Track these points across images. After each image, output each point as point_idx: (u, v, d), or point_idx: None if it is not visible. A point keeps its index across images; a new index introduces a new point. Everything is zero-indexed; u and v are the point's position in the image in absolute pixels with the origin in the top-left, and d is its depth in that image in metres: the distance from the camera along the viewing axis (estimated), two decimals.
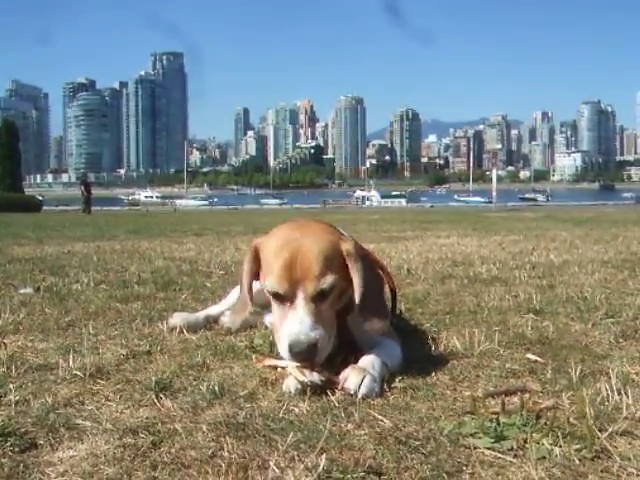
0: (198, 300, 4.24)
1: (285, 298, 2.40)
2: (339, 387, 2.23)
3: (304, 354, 2.30)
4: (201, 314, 3.49)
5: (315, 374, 2.28)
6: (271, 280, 2.42)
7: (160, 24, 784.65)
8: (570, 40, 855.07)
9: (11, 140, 55.70)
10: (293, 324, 2.34)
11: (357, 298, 2.46)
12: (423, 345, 2.92)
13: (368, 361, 2.37)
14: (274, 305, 2.49)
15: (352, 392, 2.20)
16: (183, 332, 3.22)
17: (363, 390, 2.20)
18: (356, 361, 2.39)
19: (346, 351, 2.52)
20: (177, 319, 3.36)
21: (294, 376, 2.29)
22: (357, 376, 2.24)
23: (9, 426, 1.91)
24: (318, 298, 2.38)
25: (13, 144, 56.02)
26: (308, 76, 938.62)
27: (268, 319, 3.38)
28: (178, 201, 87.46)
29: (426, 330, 3.28)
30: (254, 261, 2.60)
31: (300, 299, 2.36)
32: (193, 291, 4.64)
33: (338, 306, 2.50)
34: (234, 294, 3.59)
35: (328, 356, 2.41)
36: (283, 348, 2.37)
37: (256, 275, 2.61)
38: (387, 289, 2.98)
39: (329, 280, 2.39)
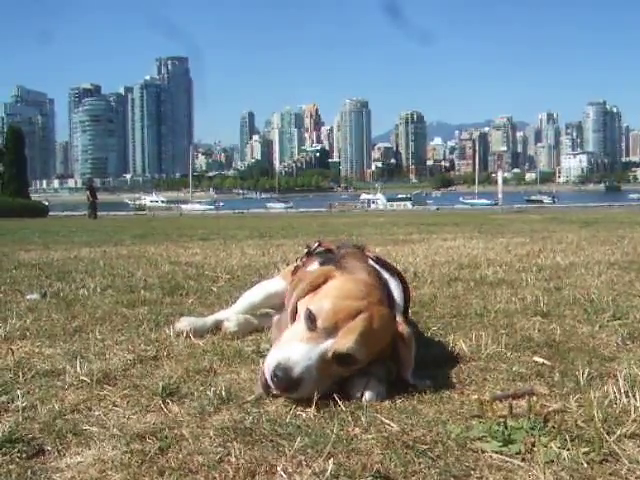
0: (205, 305, 4.24)
1: (315, 329, 2.27)
2: (344, 393, 2.22)
3: (283, 383, 2.15)
4: (209, 319, 3.47)
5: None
6: (324, 309, 2.29)
7: (165, 29, 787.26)
8: (575, 41, 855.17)
9: (17, 146, 55.99)
10: (299, 350, 2.21)
11: (407, 375, 2.36)
12: (430, 348, 2.91)
13: (373, 365, 2.36)
14: (302, 319, 2.34)
15: (357, 397, 2.20)
16: (190, 337, 3.22)
17: (367, 395, 2.20)
18: None
19: None
20: (184, 323, 3.35)
21: None
22: (360, 381, 2.25)
23: (16, 432, 1.91)
24: (338, 356, 2.24)
25: (19, 150, 56.30)
26: (313, 80, 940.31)
27: (277, 320, 3.37)
28: (184, 206, 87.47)
29: (433, 333, 3.28)
30: (315, 286, 2.48)
31: (327, 342, 2.23)
32: (200, 296, 4.64)
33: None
34: (243, 299, 3.57)
35: None
36: (269, 361, 2.22)
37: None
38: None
39: (360, 356, 2.26)
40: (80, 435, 1.92)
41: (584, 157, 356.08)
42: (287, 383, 2.15)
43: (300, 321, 2.36)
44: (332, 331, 2.24)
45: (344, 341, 2.23)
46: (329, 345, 2.23)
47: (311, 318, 2.29)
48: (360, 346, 2.24)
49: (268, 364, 2.21)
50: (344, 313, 2.26)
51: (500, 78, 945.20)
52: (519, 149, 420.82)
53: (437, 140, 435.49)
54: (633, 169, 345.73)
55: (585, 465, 1.64)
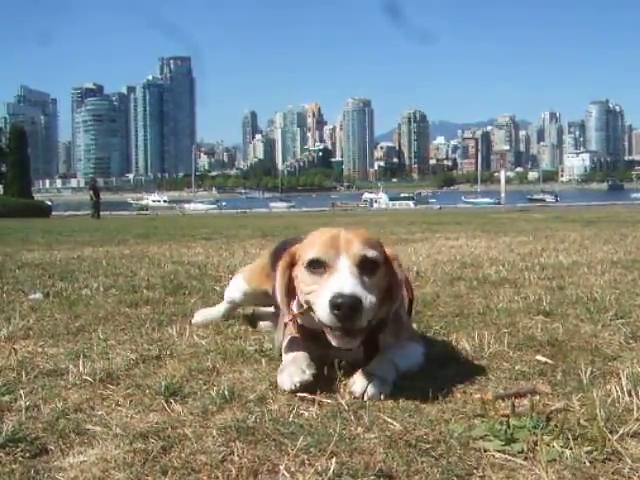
0: (207, 304, 4.23)
1: (325, 265, 2.28)
2: (347, 392, 2.23)
3: (346, 309, 2.12)
4: (221, 305, 3.65)
5: (307, 371, 2.30)
6: (313, 249, 2.33)
7: (167, 28, 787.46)
8: (577, 40, 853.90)
9: (20, 145, 55.99)
10: (335, 282, 2.19)
11: (394, 304, 2.41)
12: (432, 347, 2.91)
13: (376, 364, 2.37)
14: (306, 278, 2.34)
15: (359, 395, 2.20)
16: (193, 336, 3.23)
17: (369, 392, 2.20)
18: (367, 364, 2.38)
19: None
20: (199, 317, 3.56)
21: (287, 373, 2.31)
22: (363, 379, 2.25)
23: (20, 432, 1.92)
24: (362, 267, 2.28)
25: (22, 149, 56.33)
26: (315, 79, 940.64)
27: (262, 325, 3.42)
28: (186, 205, 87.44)
29: (435, 332, 3.28)
30: (289, 267, 2.48)
31: (343, 263, 2.26)
32: (202, 295, 4.64)
33: (376, 314, 2.31)
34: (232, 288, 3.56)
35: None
36: (323, 308, 2.17)
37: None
38: None
39: (373, 252, 2.33)
40: (83, 434, 1.93)
41: (587, 156, 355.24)
42: (351, 305, 2.13)
43: (306, 278, 2.35)
44: (336, 255, 2.29)
45: (353, 252, 2.29)
46: (346, 263, 2.26)
47: (311, 262, 2.33)
48: (365, 248, 2.32)
49: (324, 313, 2.18)
50: (331, 240, 2.34)
51: (503, 77, 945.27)
52: (522, 148, 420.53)
53: (440, 139, 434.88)
54: (636, 168, 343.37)
55: (588, 464, 1.64)
